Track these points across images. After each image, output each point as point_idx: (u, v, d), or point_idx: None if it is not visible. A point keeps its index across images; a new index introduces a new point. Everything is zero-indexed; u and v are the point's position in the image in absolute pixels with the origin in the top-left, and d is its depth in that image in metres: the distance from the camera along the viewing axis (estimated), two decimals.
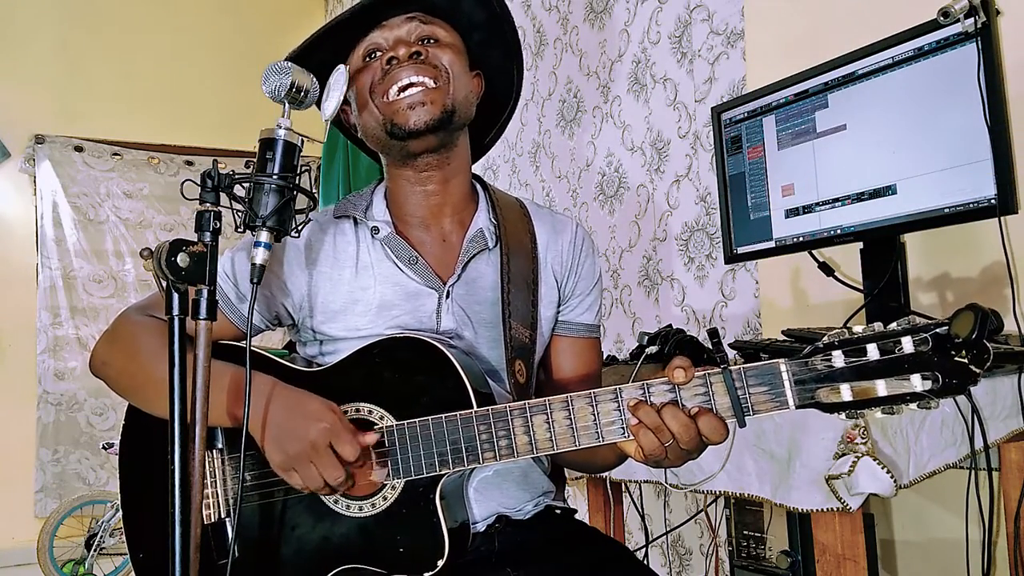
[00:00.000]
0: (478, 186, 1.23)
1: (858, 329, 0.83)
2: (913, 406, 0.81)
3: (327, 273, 1.13)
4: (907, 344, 0.80)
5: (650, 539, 2.29)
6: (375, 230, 1.14)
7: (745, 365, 0.87)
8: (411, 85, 1.08)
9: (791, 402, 0.85)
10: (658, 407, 0.89)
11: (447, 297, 1.12)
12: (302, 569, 1.04)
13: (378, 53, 1.11)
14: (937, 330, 0.79)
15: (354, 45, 1.14)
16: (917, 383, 0.80)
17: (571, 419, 0.93)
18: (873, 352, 0.81)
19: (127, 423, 1.16)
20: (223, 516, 1.08)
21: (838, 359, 0.83)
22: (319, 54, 1.12)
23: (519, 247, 1.17)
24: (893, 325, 0.82)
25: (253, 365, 0.95)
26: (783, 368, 0.85)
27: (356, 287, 1.12)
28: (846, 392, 0.83)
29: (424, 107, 1.07)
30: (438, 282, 1.13)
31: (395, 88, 1.08)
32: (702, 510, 2.12)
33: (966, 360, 0.78)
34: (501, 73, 1.22)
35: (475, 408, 0.98)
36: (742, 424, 0.88)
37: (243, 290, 1.13)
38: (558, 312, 1.21)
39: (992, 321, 0.78)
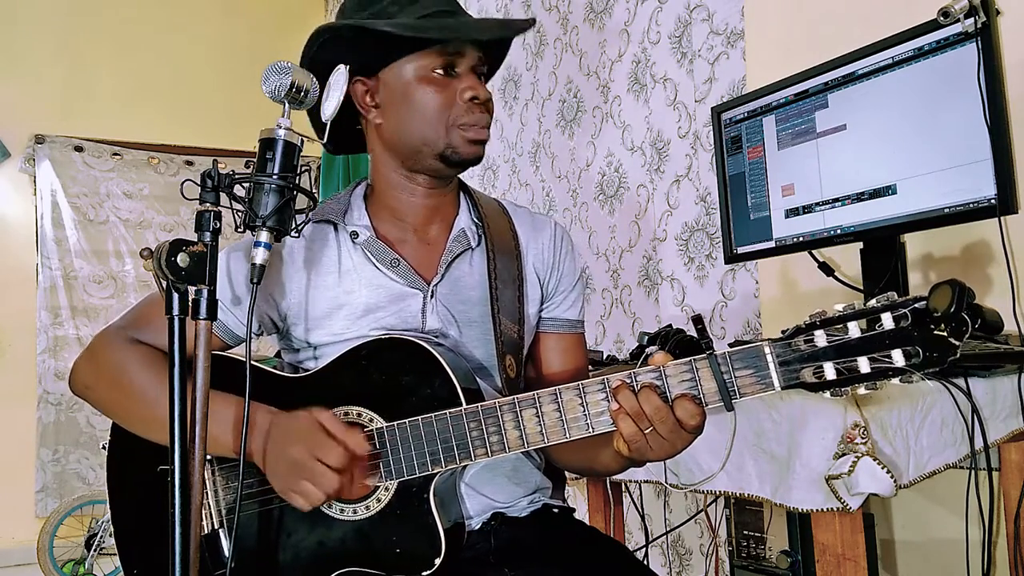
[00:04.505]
0: (459, 188, 1.25)
1: (838, 307, 0.84)
2: (896, 381, 0.82)
3: (310, 279, 1.14)
4: (887, 320, 0.81)
5: (650, 539, 2.29)
6: (354, 235, 1.15)
7: (730, 349, 0.88)
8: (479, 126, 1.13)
9: (776, 383, 0.86)
10: (636, 390, 0.89)
11: (431, 297, 1.13)
12: (300, 575, 1.04)
13: (455, 72, 1.12)
14: (916, 305, 0.80)
15: (404, 44, 1.11)
16: (899, 358, 0.81)
17: (560, 411, 0.93)
18: (854, 330, 0.83)
19: (113, 438, 1.15)
20: (216, 527, 1.08)
21: (820, 338, 0.84)
22: (346, 46, 1.10)
23: (503, 245, 1.19)
24: (872, 302, 0.82)
25: (238, 376, 0.95)
26: (767, 350, 0.86)
27: (340, 291, 1.13)
28: (830, 371, 0.84)
29: (482, 145, 1.15)
30: (421, 283, 1.14)
31: (468, 122, 1.12)
32: (702, 510, 2.11)
33: (945, 333, 0.79)
34: None
35: (464, 405, 0.98)
36: (729, 408, 0.88)
37: (237, 293, 1.13)
38: (541, 309, 1.23)
39: (970, 294, 0.78)
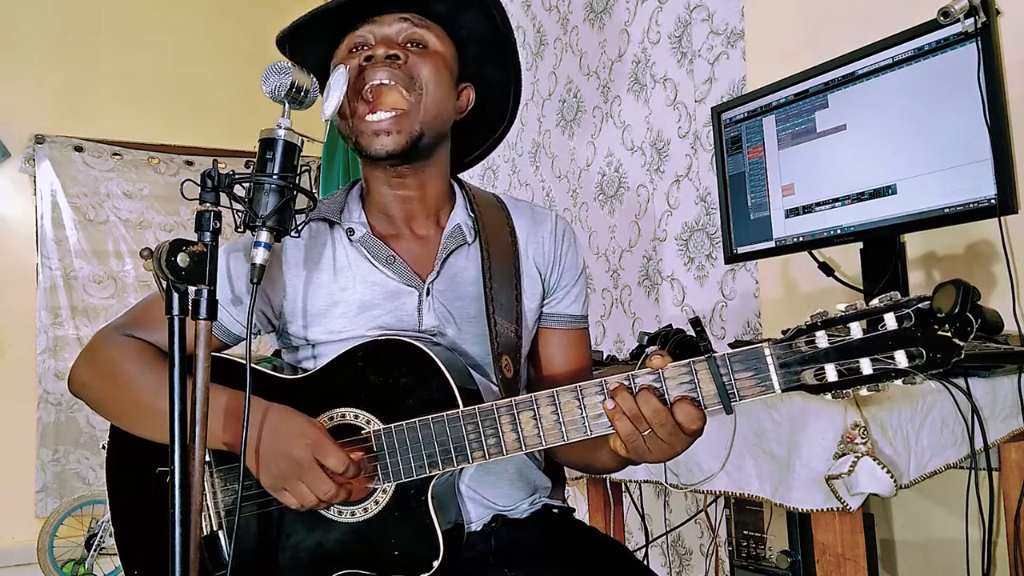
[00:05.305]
0: (455, 184, 1.23)
1: (840, 308, 0.82)
2: (898, 382, 0.81)
3: (305, 277, 1.13)
4: (890, 321, 0.79)
5: (650, 539, 2.29)
6: (350, 232, 1.14)
7: (729, 351, 0.87)
8: (381, 90, 1.05)
9: (776, 386, 0.84)
10: (635, 392, 0.88)
11: (427, 294, 1.12)
12: None
13: (364, 47, 1.09)
14: (919, 305, 0.78)
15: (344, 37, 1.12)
16: (902, 359, 0.79)
17: (558, 414, 0.92)
18: (856, 331, 0.81)
19: (112, 438, 1.14)
20: (215, 529, 1.07)
21: (822, 340, 0.82)
22: (311, 45, 1.11)
23: (498, 242, 1.16)
24: (875, 302, 0.81)
25: (235, 377, 0.94)
26: (767, 352, 0.84)
27: (335, 289, 1.12)
28: (831, 372, 0.82)
29: (389, 136, 1.06)
30: (417, 280, 1.12)
31: (366, 97, 1.06)
32: (702, 510, 2.11)
33: (950, 334, 0.78)
34: (497, 92, 1.21)
35: (461, 407, 0.97)
36: (728, 411, 0.87)
37: (236, 293, 1.12)
38: (543, 304, 1.21)
39: (975, 294, 0.77)
